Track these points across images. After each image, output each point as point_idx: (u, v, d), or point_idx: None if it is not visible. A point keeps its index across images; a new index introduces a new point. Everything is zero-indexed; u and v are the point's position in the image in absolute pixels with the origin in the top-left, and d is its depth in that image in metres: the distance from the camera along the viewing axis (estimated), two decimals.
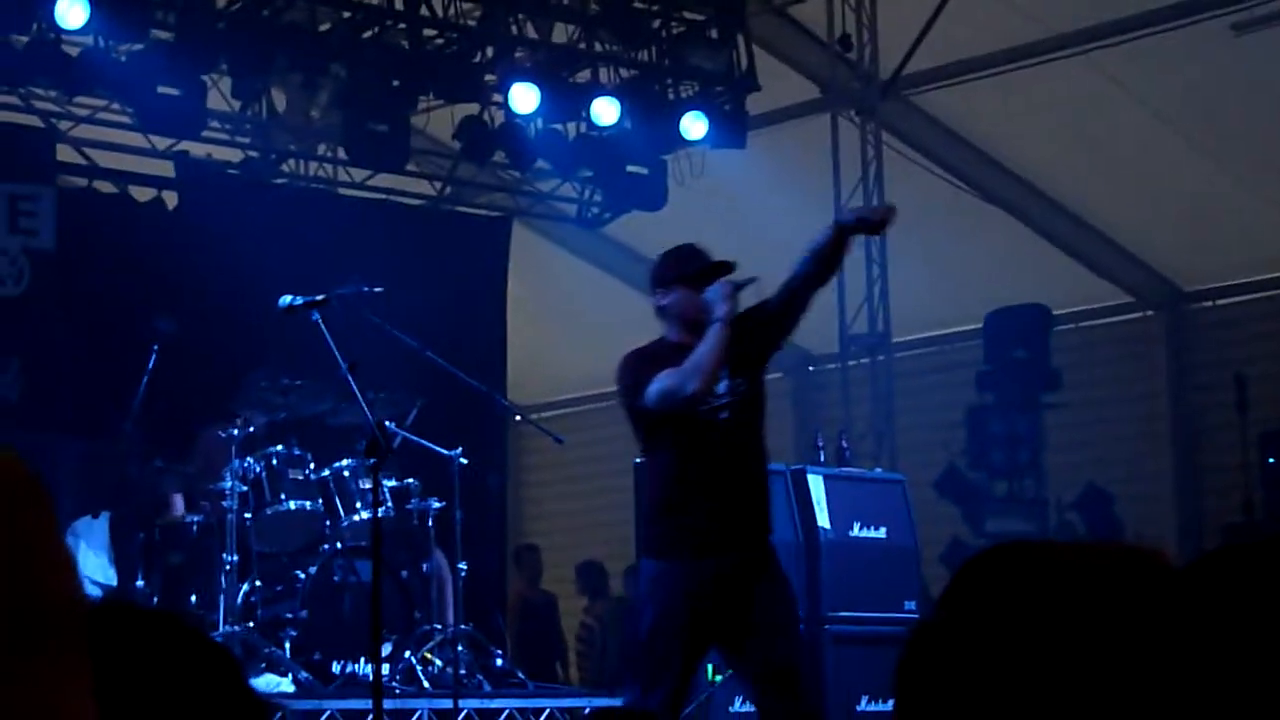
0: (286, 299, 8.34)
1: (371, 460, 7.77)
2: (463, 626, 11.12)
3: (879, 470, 13.15)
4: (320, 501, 11.06)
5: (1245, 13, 13.91)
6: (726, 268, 7.45)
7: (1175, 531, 16.64)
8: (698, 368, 7.22)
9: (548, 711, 11.09)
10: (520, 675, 11.54)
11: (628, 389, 7.44)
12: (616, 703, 11.43)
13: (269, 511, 10.87)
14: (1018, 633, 1.62)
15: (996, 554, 1.73)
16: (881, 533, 11.22)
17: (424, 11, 13.47)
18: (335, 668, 10.55)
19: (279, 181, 15.46)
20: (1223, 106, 14.87)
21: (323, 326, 8.09)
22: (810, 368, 17.45)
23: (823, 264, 7.36)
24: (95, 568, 11.12)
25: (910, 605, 11.06)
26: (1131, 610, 1.63)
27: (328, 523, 11.05)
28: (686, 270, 7.42)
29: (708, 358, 7.23)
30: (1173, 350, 17.52)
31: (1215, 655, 1.67)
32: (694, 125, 14.32)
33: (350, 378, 7.91)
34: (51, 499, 0.97)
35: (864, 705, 10.71)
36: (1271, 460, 14.31)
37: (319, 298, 8.27)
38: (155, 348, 11.33)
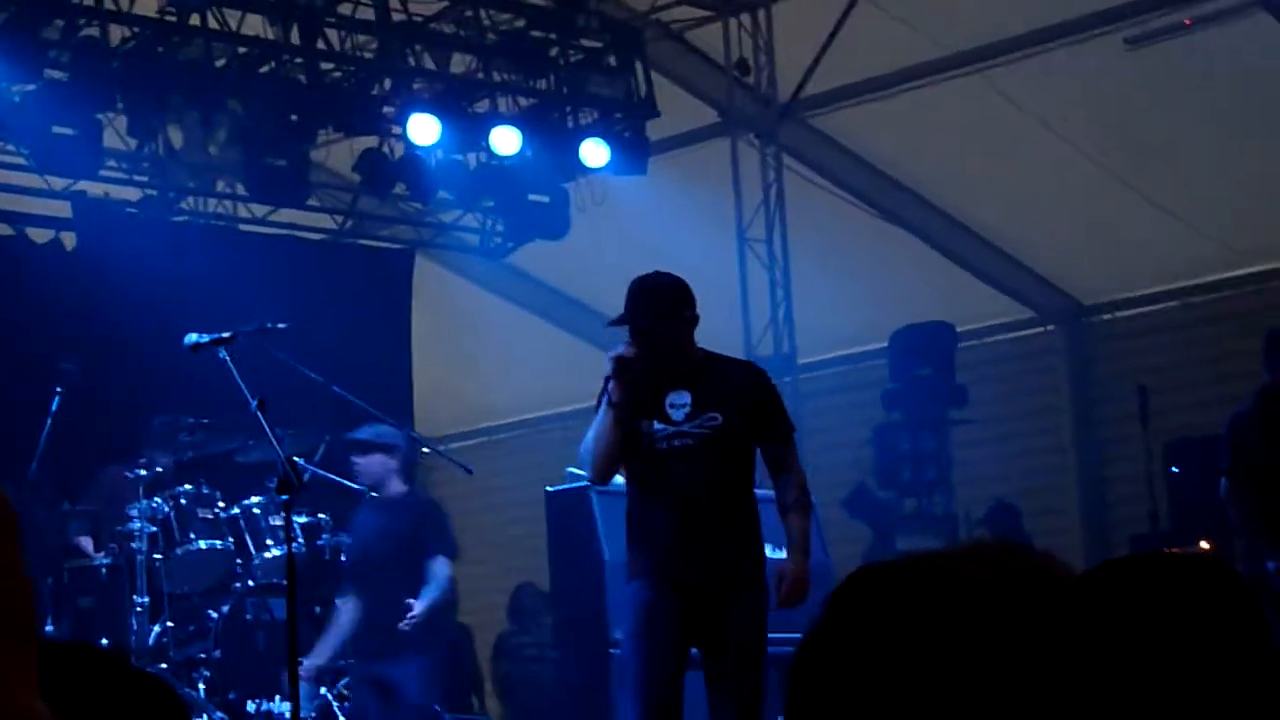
0: (192, 337, 8.29)
1: (283, 497, 7.73)
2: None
3: None
4: (231, 540, 10.98)
5: (1138, 27, 14.04)
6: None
7: (1082, 544, 16.73)
8: (589, 459, 7.52)
9: None
10: (436, 708, 11.48)
11: None
12: None
13: (179, 551, 10.77)
14: (889, 657, 1.62)
15: (860, 579, 1.71)
16: None
17: (320, 45, 13.43)
18: (250, 706, 10.47)
19: (179, 219, 15.38)
20: (1119, 121, 14.98)
21: (230, 364, 8.04)
22: None
23: None
24: None
25: None
26: (1003, 620, 1.62)
27: (239, 561, 10.98)
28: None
29: (595, 451, 7.48)
30: (1074, 364, 17.62)
31: (1105, 664, 1.67)
32: (594, 152, 14.35)
33: (260, 415, 7.86)
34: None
35: None
36: (1175, 470, 14.41)
37: (225, 335, 8.23)
38: (58, 390, 11.23)
